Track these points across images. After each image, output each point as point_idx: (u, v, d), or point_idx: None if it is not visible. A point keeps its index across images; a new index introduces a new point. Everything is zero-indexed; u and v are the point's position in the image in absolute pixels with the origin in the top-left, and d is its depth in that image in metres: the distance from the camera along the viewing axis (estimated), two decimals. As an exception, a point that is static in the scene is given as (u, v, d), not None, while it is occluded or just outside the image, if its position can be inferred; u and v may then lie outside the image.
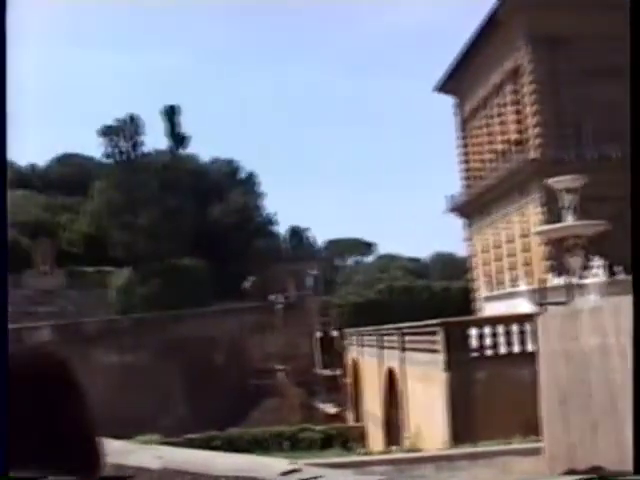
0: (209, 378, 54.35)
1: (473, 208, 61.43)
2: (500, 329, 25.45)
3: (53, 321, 54.38)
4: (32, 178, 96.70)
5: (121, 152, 73.51)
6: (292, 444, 37.10)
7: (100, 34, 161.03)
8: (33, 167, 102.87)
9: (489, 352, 25.24)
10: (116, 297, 67.16)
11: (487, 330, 25.45)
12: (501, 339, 25.37)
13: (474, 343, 25.33)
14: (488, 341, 25.30)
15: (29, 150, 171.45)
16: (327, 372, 58.49)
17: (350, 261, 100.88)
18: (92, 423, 2.35)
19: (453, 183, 71.73)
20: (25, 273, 71.58)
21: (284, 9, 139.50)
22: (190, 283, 64.99)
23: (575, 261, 33.01)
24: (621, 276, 35.24)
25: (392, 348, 34.57)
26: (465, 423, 23.62)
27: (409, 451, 21.34)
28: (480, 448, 18.30)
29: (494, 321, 26.89)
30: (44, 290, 70.37)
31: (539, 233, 41.74)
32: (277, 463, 4.73)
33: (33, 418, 2.21)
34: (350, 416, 48.23)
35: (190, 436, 35.46)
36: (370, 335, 42.14)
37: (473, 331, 25.52)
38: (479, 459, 17.29)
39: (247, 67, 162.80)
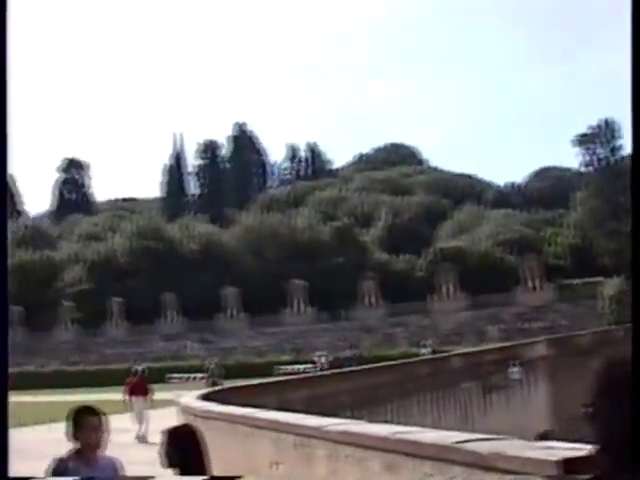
0: None
1: None
2: None
3: (545, 336, 54.17)
4: (512, 196, 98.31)
5: (599, 159, 72.67)
6: None
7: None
8: (512, 185, 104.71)
9: None
10: (608, 307, 65.90)
11: None
12: None
13: None
14: None
15: (509, 169, 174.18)
16: None
17: None
18: None
19: None
20: (515, 290, 72.59)
21: None
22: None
23: None
24: None
25: None
26: None
27: None
28: None
29: None
30: (534, 306, 70.80)
31: None
32: None
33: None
34: None
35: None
36: None
37: None
38: None
39: None
